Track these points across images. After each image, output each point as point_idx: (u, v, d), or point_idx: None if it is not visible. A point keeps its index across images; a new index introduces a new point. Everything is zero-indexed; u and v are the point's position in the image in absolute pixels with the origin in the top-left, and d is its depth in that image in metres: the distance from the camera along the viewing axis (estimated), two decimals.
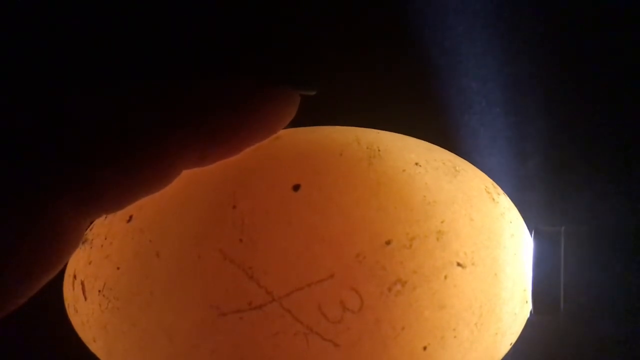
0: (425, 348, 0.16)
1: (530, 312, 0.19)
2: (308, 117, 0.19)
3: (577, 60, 0.23)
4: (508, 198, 0.19)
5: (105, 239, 0.18)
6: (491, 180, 0.19)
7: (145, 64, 0.22)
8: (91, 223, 0.19)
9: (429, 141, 0.20)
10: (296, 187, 0.16)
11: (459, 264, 0.16)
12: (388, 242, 0.16)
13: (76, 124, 0.15)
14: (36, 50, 0.23)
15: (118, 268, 0.17)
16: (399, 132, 0.20)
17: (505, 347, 0.18)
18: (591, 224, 0.21)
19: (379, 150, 0.18)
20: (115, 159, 0.15)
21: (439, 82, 0.23)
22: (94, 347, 0.19)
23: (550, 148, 0.23)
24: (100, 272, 0.18)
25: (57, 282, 0.19)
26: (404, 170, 0.17)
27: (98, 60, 0.22)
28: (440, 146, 0.20)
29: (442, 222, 0.16)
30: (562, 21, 0.22)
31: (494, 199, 0.18)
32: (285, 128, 0.18)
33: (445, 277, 0.16)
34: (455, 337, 0.16)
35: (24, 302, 0.15)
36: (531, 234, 0.20)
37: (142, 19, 0.22)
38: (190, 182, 0.17)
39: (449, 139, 0.24)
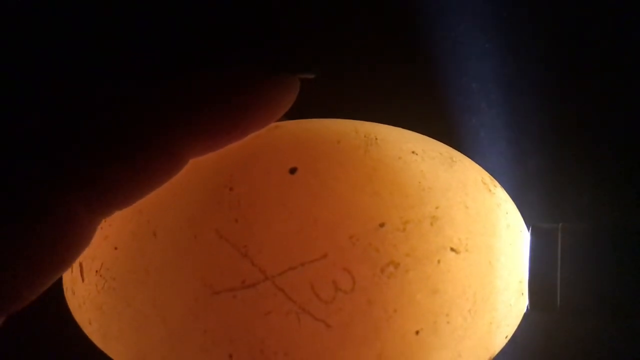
0: (417, 332, 0.16)
1: (527, 308, 0.19)
2: (308, 113, 0.19)
3: (577, 59, 0.23)
4: (505, 192, 0.19)
5: (105, 221, 0.18)
6: (488, 174, 0.19)
7: (147, 60, 0.22)
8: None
9: (429, 137, 0.20)
10: (292, 170, 0.17)
11: (452, 249, 0.16)
12: (382, 225, 0.16)
13: (84, 123, 0.16)
14: (45, 52, 0.23)
15: (116, 248, 0.18)
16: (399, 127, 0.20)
17: (500, 339, 0.18)
18: (588, 222, 0.21)
19: (376, 139, 0.18)
20: (124, 155, 0.15)
21: (441, 80, 0.23)
22: (89, 330, 0.19)
23: (549, 146, 0.23)
24: (98, 252, 0.18)
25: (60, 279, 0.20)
26: (400, 158, 0.17)
27: (103, 59, 0.23)
28: (440, 142, 0.20)
29: (436, 208, 0.17)
30: (563, 19, 0.23)
31: (490, 190, 0.18)
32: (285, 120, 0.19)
33: (439, 262, 0.16)
34: (448, 322, 0.16)
35: (35, 298, 0.16)
36: (529, 230, 0.20)
37: (142, 12, 0.22)
38: (189, 165, 0.17)
39: (449, 135, 0.24)
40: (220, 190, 0.17)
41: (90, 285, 0.18)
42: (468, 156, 0.20)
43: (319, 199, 0.16)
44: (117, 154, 0.15)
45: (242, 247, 0.16)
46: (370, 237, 0.16)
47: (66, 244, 0.15)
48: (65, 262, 0.15)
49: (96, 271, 0.18)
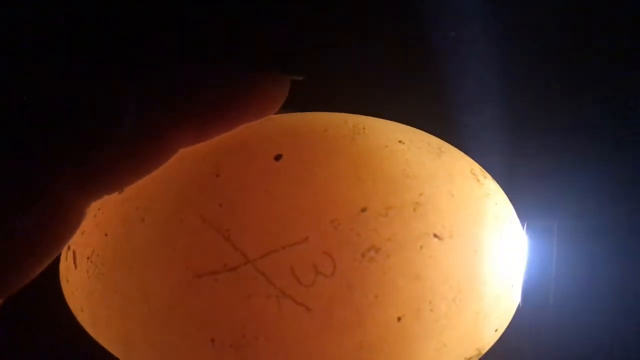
0: (399, 319, 0.16)
1: (520, 304, 0.19)
2: (302, 107, 0.20)
3: (577, 58, 0.23)
4: (497, 184, 0.19)
5: (99, 209, 0.19)
6: (479, 166, 0.19)
7: (141, 50, 0.23)
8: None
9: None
10: (278, 157, 0.17)
11: (435, 236, 0.16)
12: (364, 210, 0.16)
13: (76, 108, 0.16)
14: (37, 39, 0.24)
15: (106, 234, 0.18)
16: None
17: (489, 332, 0.18)
18: (584, 220, 0.21)
19: (363, 129, 0.18)
20: (115, 141, 0.16)
21: (439, 77, 0.24)
22: (81, 318, 0.19)
23: (546, 144, 0.23)
24: (90, 240, 0.18)
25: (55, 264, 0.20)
26: (386, 146, 0.17)
27: (96, 49, 0.23)
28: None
29: (420, 194, 0.17)
30: (562, 18, 0.23)
31: (479, 180, 0.18)
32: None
33: (421, 247, 0.16)
34: (431, 310, 0.16)
35: (27, 282, 0.16)
36: (524, 228, 0.19)
37: (135, 7, 0.23)
38: (178, 152, 0.18)
39: (446, 132, 0.24)
40: (206, 177, 0.17)
41: (82, 272, 0.18)
42: (465, 153, 0.20)
43: (302, 184, 0.16)
44: (107, 140, 0.16)
45: (224, 231, 0.16)
46: (352, 221, 0.16)
47: (56, 226, 0.16)
48: (56, 244, 0.16)
49: (87, 257, 0.18)
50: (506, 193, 0.20)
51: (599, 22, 0.22)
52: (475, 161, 0.20)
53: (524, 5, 0.22)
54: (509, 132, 0.24)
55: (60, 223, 0.16)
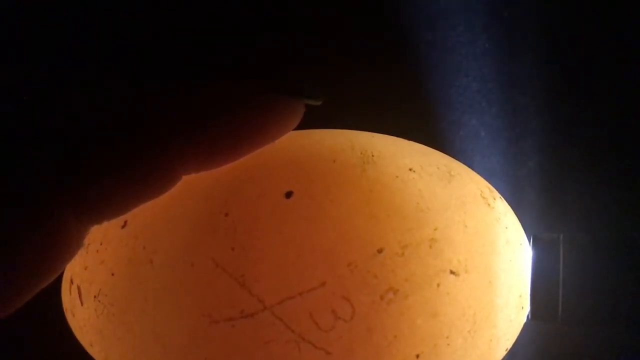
0: (418, 356, 0.16)
1: (528, 316, 0.19)
2: (303, 118, 0.19)
3: (577, 64, 0.22)
4: (505, 202, 0.19)
5: (101, 244, 0.18)
6: (487, 184, 0.19)
7: (145, 70, 0.22)
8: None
9: (426, 144, 0.20)
10: (288, 194, 0.16)
11: (452, 272, 0.16)
12: (380, 251, 0.16)
13: (77, 133, 0.15)
14: (38, 60, 0.22)
15: (113, 274, 0.17)
16: (395, 135, 0.20)
17: (500, 353, 0.18)
18: (590, 232, 0.21)
19: (372, 156, 0.18)
20: (116, 167, 0.15)
21: (437, 84, 0.23)
22: (91, 351, 0.19)
23: (551, 155, 0.23)
24: (95, 277, 0.18)
25: (57, 285, 0.20)
26: (397, 177, 0.17)
27: (98, 69, 0.22)
28: (438, 149, 0.20)
29: (435, 229, 0.16)
30: (562, 21, 0.22)
31: (489, 204, 0.18)
32: None
33: (438, 285, 0.16)
34: (448, 344, 0.16)
35: (22, 305, 0.16)
36: (530, 241, 0.20)
37: (143, 23, 0.21)
38: (183, 188, 0.17)
39: (447, 143, 0.23)
40: (215, 217, 0.17)
41: (89, 310, 0.18)
42: (468, 164, 0.20)
43: (316, 225, 0.16)
44: (109, 165, 0.15)
45: (239, 277, 0.16)
46: (368, 263, 0.16)
47: (54, 251, 0.15)
48: (53, 267, 0.15)
49: (94, 296, 0.18)
50: (508, 200, 0.20)
51: (599, 22, 0.22)
52: (476, 169, 0.20)
53: (526, 11, 0.22)
54: (510, 140, 0.24)
55: (58, 249, 0.15)
